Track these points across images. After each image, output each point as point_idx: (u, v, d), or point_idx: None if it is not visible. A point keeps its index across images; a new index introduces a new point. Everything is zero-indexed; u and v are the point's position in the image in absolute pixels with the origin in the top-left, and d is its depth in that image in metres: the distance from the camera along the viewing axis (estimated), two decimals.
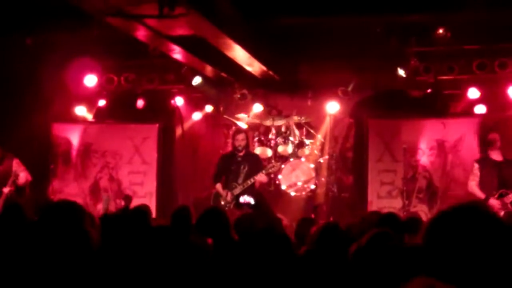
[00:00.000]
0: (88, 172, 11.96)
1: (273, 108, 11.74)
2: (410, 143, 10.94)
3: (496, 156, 9.02)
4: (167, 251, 4.28)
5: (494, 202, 8.58)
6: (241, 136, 10.12)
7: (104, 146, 11.99)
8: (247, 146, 10.19)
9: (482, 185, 8.94)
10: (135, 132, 12.07)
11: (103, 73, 11.56)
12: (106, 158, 11.94)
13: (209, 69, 10.93)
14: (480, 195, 8.83)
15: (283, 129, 11.20)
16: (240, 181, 9.86)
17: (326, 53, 10.32)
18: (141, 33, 8.36)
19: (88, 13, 7.62)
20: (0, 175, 9.39)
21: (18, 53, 10.42)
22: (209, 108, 12.08)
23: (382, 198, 11.08)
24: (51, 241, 3.33)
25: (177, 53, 9.65)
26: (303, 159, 11.01)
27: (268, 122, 11.37)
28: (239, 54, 9.30)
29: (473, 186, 9.01)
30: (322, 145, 11.41)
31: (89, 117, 12.25)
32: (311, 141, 11.20)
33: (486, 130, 10.15)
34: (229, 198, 9.81)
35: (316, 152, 11.22)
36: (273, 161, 10.76)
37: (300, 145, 11.08)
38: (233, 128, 11.28)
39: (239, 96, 11.48)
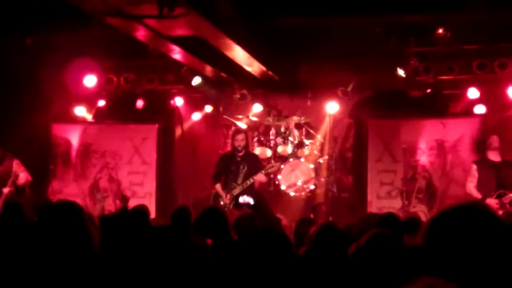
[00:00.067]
0: (87, 173, 11.96)
1: (272, 108, 11.74)
2: (410, 143, 10.94)
3: (494, 157, 9.01)
4: (167, 251, 4.29)
5: (492, 202, 8.57)
6: (240, 136, 10.12)
7: (103, 147, 11.99)
8: (246, 146, 10.19)
9: (480, 186, 8.93)
10: (134, 133, 12.07)
11: (102, 73, 11.56)
12: (106, 158, 11.94)
13: (208, 69, 10.93)
14: (478, 196, 8.82)
15: (282, 129, 11.20)
16: (239, 181, 9.87)
17: (325, 53, 10.32)
18: (140, 33, 8.36)
19: (88, 13, 7.62)
20: (0, 175, 9.39)
21: (18, 53, 10.42)
22: (208, 108, 12.08)
23: (382, 198, 11.08)
24: (50, 241, 3.32)
25: (177, 54, 9.65)
26: (302, 159, 11.01)
27: (267, 122, 11.38)
28: (238, 54, 9.30)
29: (471, 187, 9.01)
30: (322, 145, 11.41)
31: (89, 117, 12.25)
32: (311, 141, 11.20)
33: (486, 130, 10.15)
34: (228, 198, 9.81)
35: (315, 152, 11.22)
36: (272, 161, 10.77)
37: (300, 145, 11.08)
38: (233, 128, 11.28)
39: (238, 96, 11.48)
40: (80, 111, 12.06)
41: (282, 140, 11.09)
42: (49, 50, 10.46)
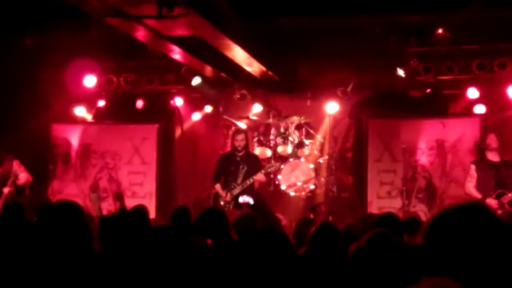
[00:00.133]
0: (87, 173, 11.96)
1: (272, 108, 11.74)
2: (410, 143, 10.94)
3: (493, 157, 9.00)
4: (167, 251, 4.29)
5: (491, 202, 8.56)
6: (240, 137, 10.12)
7: (103, 147, 11.99)
8: (246, 147, 10.20)
9: (479, 186, 8.92)
10: (134, 133, 12.07)
11: (102, 73, 11.56)
12: (106, 158, 11.94)
13: (208, 70, 10.93)
14: (478, 196, 8.81)
15: (282, 130, 11.20)
16: (239, 181, 9.87)
17: (325, 53, 10.32)
18: (140, 34, 8.35)
19: (87, 14, 7.62)
20: (0, 176, 9.38)
21: (17, 53, 10.42)
22: (208, 109, 12.08)
23: (382, 198, 11.09)
24: (50, 241, 3.32)
25: (177, 54, 9.65)
26: (302, 159, 11.01)
27: (268, 121, 11.40)
28: (238, 54, 9.30)
29: (470, 187, 8.99)
30: (322, 145, 11.41)
31: (89, 117, 12.25)
32: (311, 141, 11.20)
33: (485, 130, 10.14)
34: (228, 198, 9.82)
35: (315, 152, 11.22)
36: (272, 161, 10.77)
37: (300, 145, 11.08)
38: (233, 128, 11.28)
39: (238, 96, 11.47)
40: (80, 111, 12.06)
41: (282, 140, 11.09)
42: (48, 50, 10.46)
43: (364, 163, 11.36)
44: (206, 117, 12.33)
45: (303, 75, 11.55)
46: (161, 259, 4.17)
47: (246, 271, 3.87)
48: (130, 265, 4.06)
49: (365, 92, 11.54)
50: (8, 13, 8.95)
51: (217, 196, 9.96)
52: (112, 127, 12.29)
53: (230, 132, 11.12)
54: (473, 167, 9.10)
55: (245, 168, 9.91)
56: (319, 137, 11.35)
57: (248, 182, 9.82)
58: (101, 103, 12.12)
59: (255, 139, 11.16)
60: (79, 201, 9.89)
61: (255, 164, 10.09)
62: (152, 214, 10.49)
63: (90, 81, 11.32)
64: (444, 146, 10.95)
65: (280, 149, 11.05)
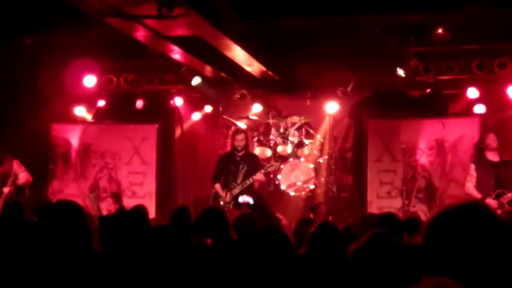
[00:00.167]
0: (87, 173, 11.96)
1: (272, 108, 11.74)
2: (410, 143, 10.95)
3: (492, 156, 8.99)
4: (167, 251, 4.28)
5: (490, 202, 8.56)
6: (240, 136, 10.12)
7: (103, 147, 12.00)
8: (246, 146, 10.20)
9: (479, 186, 8.91)
10: (134, 133, 12.08)
11: (102, 73, 11.56)
12: (106, 158, 11.95)
13: (208, 69, 10.93)
14: (477, 196, 8.80)
15: (282, 130, 11.20)
16: (239, 181, 9.87)
17: (325, 53, 10.32)
18: (140, 34, 8.35)
19: (87, 14, 7.62)
20: (0, 176, 9.38)
21: (17, 53, 10.41)
22: (208, 108, 12.08)
23: (382, 198, 11.09)
24: (50, 241, 3.32)
25: (176, 54, 9.65)
26: (302, 159, 11.01)
27: (267, 122, 11.40)
28: (238, 54, 9.30)
29: (470, 187, 8.99)
30: (322, 145, 11.41)
31: (89, 117, 12.25)
32: (311, 141, 11.20)
33: (485, 130, 10.14)
34: (228, 198, 9.82)
35: (315, 152, 11.23)
36: (272, 160, 10.77)
37: (300, 145, 11.09)
38: (233, 128, 11.28)
39: (238, 96, 11.48)
40: (80, 111, 12.06)
41: (282, 140, 11.10)
42: (48, 50, 10.46)
43: (364, 163, 11.36)
44: (206, 117, 12.34)
45: (303, 75, 11.55)
46: (161, 259, 4.17)
47: (246, 271, 3.87)
48: (130, 265, 4.06)
49: (365, 92, 11.54)
50: (8, 13, 8.95)
51: (216, 196, 9.96)
52: (112, 127, 12.29)
53: (230, 132, 11.12)
54: (472, 166, 9.10)
55: (245, 168, 9.91)
56: (319, 137, 11.36)
57: (247, 182, 9.81)
58: (101, 103, 12.12)
59: (255, 139, 11.16)
60: (79, 201, 9.89)
61: (255, 164, 10.09)
62: (152, 214, 10.49)
63: (90, 81, 11.32)
64: (444, 146, 10.95)
65: (280, 149, 11.05)
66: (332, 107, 11.27)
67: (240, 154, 10.04)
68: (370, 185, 11.19)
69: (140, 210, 6.34)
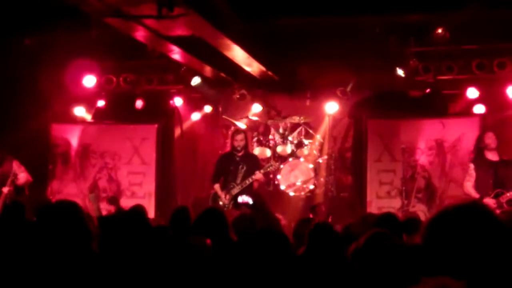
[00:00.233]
0: (87, 173, 11.96)
1: (272, 108, 11.74)
2: (409, 143, 10.95)
3: (492, 156, 8.99)
4: (166, 251, 4.29)
5: (489, 202, 8.56)
6: (240, 137, 10.12)
7: (103, 147, 11.99)
8: (246, 147, 10.19)
9: (478, 185, 8.90)
10: (134, 133, 12.07)
11: (102, 73, 11.56)
12: (105, 158, 11.94)
13: (208, 70, 10.93)
14: (476, 195, 8.79)
15: (281, 130, 11.20)
16: (238, 181, 9.86)
17: (325, 53, 10.32)
18: (139, 34, 8.35)
19: (87, 14, 7.62)
20: (0, 176, 9.38)
21: (17, 54, 10.41)
22: (208, 109, 12.08)
23: (381, 198, 11.09)
24: (50, 241, 3.32)
25: (176, 54, 9.65)
26: (302, 159, 11.01)
27: (268, 122, 11.40)
28: (238, 54, 9.30)
29: (469, 186, 8.98)
30: (321, 145, 11.41)
31: (88, 117, 12.25)
32: (310, 141, 11.20)
33: (485, 130, 10.14)
34: (227, 198, 9.81)
35: (315, 152, 11.23)
36: (271, 160, 10.76)
37: (299, 145, 11.09)
38: (232, 128, 11.28)
39: (238, 96, 11.48)
40: (80, 111, 12.06)
41: (282, 140, 11.10)
42: (48, 50, 10.46)
43: (364, 163, 11.36)
44: (205, 117, 12.33)
45: (302, 75, 11.55)
46: (161, 259, 4.17)
47: (246, 271, 3.87)
48: (129, 265, 4.06)
49: (365, 92, 11.54)
50: (8, 13, 8.95)
51: (216, 196, 9.96)
52: (112, 127, 12.29)
53: (230, 132, 11.12)
54: (472, 166, 9.10)
55: (245, 168, 9.90)
56: (318, 137, 11.36)
57: (247, 182, 9.81)
58: (101, 103, 12.12)
59: (255, 139, 11.17)
60: (79, 201, 9.89)
61: (255, 164, 10.09)
62: (152, 214, 10.50)
63: (89, 81, 11.32)
64: (444, 146, 10.95)
65: (279, 149, 11.05)
66: (331, 107, 11.27)
67: (239, 154, 10.04)
68: (370, 185, 11.19)
69: (138, 210, 6.35)
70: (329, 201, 10.96)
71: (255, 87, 11.50)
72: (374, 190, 11.16)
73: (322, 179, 11.20)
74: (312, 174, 10.87)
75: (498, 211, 8.32)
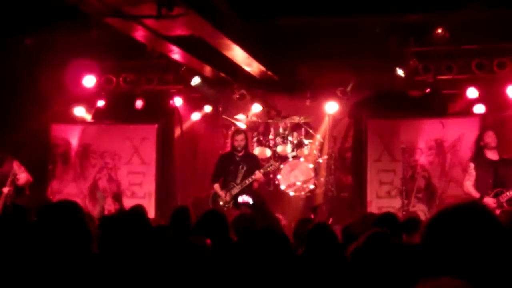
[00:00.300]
0: (87, 173, 11.96)
1: (272, 108, 11.74)
2: (409, 143, 10.95)
3: (491, 155, 8.99)
4: (166, 251, 4.29)
5: (489, 201, 8.56)
6: (240, 137, 10.12)
7: (103, 147, 11.99)
8: (246, 147, 10.20)
9: (477, 184, 8.91)
10: (134, 133, 12.07)
11: (101, 73, 11.56)
12: (105, 158, 11.94)
13: (208, 69, 10.93)
14: (476, 194, 8.80)
15: (281, 130, 11.21)
16: (238, 181, 9.86)
17: (325, 53, 10.32)
18: (139, 34, 8.35)
19: (87, 14, 7.62)
20: (0, 177, 9.37)
21: (17, 54, 10.41)
22: (208, 109, 12.08)
23: (381, 198, 11.09)
24: (50, 241, 3.33)
25: (176, 54, 9.65)
26: (302, 159, 11.02)
27: (267, 122, 11.41)
28: (237, 54, 9.30)
29: (469, 186, 8.98)
30: (321, 145, 11.41)
31: (88, 117, 12.25)
32: (310, 141, 11.20)
33: (485, 130, 10.14)
34: (227, 198, 9.81)
35: (315, 152, 11.23)
36: (271, 160, 10.77)
37: (299, 145, 11.09)
38: (232, 128, 11.28)
39: (238, 96, 11.47)
40: (80, 111, 12.06)
41: (282, 140, 11.10)
42: (48, 50, 10.46)
43: (364, 163, 11.36)
44: (205, 117, 12.33)
45: (302, 75, 11.55)
46: (161, 259, 4.17)
47: (246, 271, 3.87)
48: (129, 265, 4.06)
49: (365, 92, 11.54)
50: (8, 13, 8.95)
51: (216, 196, 9.96)
52: (112, 127, 12.29)
53: (230, 132, 11.13)
54: (472, 165, 9.10)
55: (245, 168, 9.91)
56: (318, 137, 11.36)
57: (247, 182, 9.81)
58: (101, 103, 12.12)
59: (255, 139, 11.17)
60: (79, 201, 9.89)
61: (255, 164, 10.09)
62: (152, 214, 10.51)
63: (89, 81, 11.32)
64: (444, 146, 10.95)
65: (279, 149, 11.06)
66: (331, 107, 11.27)
67: (240, 154, 10.04)
68: (370, 185, 11.20)
69: (138, 210, 6.35)
70: (329, 201, 10.97)
71: (255, 87, 11.50)
72: (374, 190, 11.16)
73: (322, 179, 11.21)
74: (312, 174, 10.88)
75: (498, 211, 8.34)
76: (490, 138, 9.02)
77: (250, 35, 9.27)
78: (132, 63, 11.47)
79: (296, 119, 11.15)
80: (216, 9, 7.91)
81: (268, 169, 10.29)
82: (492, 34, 9.56)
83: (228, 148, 10.73)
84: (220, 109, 11.91)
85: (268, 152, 11.06)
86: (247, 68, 10.40)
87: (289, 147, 11.04)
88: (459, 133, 10.88)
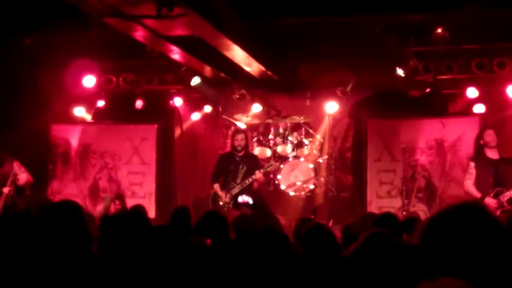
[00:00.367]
0: (87, 173, 11.96)
1: (272, 108, 11.74)
2: (409, 143, 10.95)
3: (492, 154, 9.00)
4: (166, 251, 4.29)
5: (490, 201, 8.56)
6: (240, 136, 10.12)
7: (103, 147, 11.99)
8: (246, 147, 10.20)
9: (478, 183, 8.91)
10: (134, 133, 12.07)
11: (101, 73, 11.56)
12: (105, 158, 11.95)
13: (207, 70, 10.93)
14: (476, 194, 8.81)
15: (281, 129, 11.21)
16: (238, 181, 9.86)
17: (324, 53, 10.32)
18: (139, 34, 8.35)
19: (87, 14, 7.62)
20: (0, 177, 9.37)
21: (17, 54, 10.41)
22: (208, 109, 12.08)
23: (382, 198, 11.08)
24: (50, 240, 3.33)
25: (176, 54, 9.65)
26: (302, 159, 11.02)
27: (267, 122, 11.41)
28: (237, 54, 9.30)
29: (469, 185, 8.99)
30: (321, 145, 11.42)
31: (88, 117, 12.25)
32: (310, 140, 11.21)
33: (484, 127, 10.15)
34: (227, 198, 9.81)
35: (315, 152, 11.24)
36: (271, 160, 10.77)
37: (299, 145, 11.09)
38: (232, 128, 11.29)
39: (238, 96, 11.48)
40: (79, 111, 12.06)
41: (282, 140, 11.11)
42: (48, 50, 10.46)
43: (364, 163, 11.36)
44: (205, 117, 12.34)
45: (302, 75, 11.55)
46: (161, 259, 4.17)
47: (246, 271, 3.87)
48: (129, 265, 4.06)
49: (365, 92, 11.54)
50: (8, 13, 8.95)
51: (215, 196, 9.96)
52: (112, 127, 12.29)
53: (230, 132, 11.13)
54: (472, 164, 9.10)
55: (245, 168, 9.90)
56: (318, 137, 11.36)
57: (247, 182, 9.81)
58: (101, 103, 12.12)
59: (255, 139, 11.18)
60: (79, 201, 9.89)
61: (255, 164, 10.09)
62: (152, 214, 10.50)
63: (89, 81, 11.31)
64: (444, 146, 10.95)
65: (279, 149, 11.06)
66: (331, 107, 11.28)
67: (240, 154, 10.04)
68: (370, 185, 11.19)
69: (139, 210, 6.35)
70: (329, 201, 10.97)
71: (254, 87, 11.50)
72: (374, 190, 11.16)
73: (322, 179, 11.21)
74: (312, 174, 10.88)
75: (498, 211, 8.35)
76: (490, 136, 9.03)
77: (250, 35, 9.27)
78: (132, 63, 11.47)
79: (296, 119, 11.16)
80: (216, 9, 7.91)
81: (268, 169, 10.29)
82: (492, 34, 9.56)
83: (228, 148, 10.73)
84: (220, 109, 11.92)
85: (268, 152, 11.06)
86: (247, 68, 10.40)
87: (289, 147, 11.05)
88: (459, 133, 10.88)
